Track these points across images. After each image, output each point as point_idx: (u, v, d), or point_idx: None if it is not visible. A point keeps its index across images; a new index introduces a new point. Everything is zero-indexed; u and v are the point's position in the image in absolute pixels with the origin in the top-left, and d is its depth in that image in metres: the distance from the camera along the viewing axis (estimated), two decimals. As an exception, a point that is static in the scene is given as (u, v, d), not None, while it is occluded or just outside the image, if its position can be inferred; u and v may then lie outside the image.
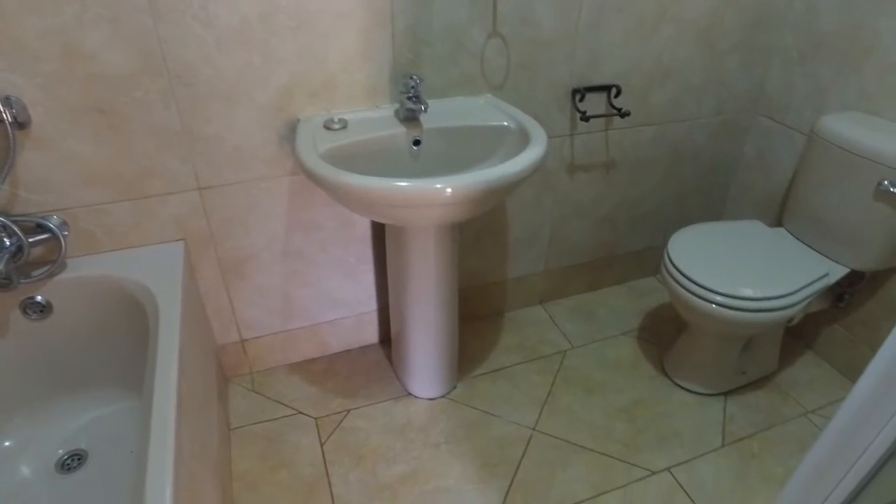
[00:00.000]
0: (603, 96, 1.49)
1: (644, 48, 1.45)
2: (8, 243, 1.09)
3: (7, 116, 0.99)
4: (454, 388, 1.56)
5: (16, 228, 1.08)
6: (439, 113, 1.28)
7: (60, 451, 1.25)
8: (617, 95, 1.48)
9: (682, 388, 1.55)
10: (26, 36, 0.97)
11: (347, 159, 1.16)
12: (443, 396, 1.54)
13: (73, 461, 1.24)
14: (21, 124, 1.04)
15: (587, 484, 1.31)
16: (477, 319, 1.80)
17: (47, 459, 1.23)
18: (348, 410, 1.49)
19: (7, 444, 1.23)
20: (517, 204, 1.61)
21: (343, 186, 1.01)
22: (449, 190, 1.00)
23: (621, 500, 1.27)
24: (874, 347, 1.49)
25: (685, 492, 1.29)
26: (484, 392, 1.55)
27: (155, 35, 1.04)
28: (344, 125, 1.22)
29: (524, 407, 1.50)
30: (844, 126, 1.34)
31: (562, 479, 1.32)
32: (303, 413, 1.48)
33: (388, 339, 1.70)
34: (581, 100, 1.45)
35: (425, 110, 1.20)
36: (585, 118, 1.44)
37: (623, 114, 1.45)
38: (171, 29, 1.05)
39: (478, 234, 1.62)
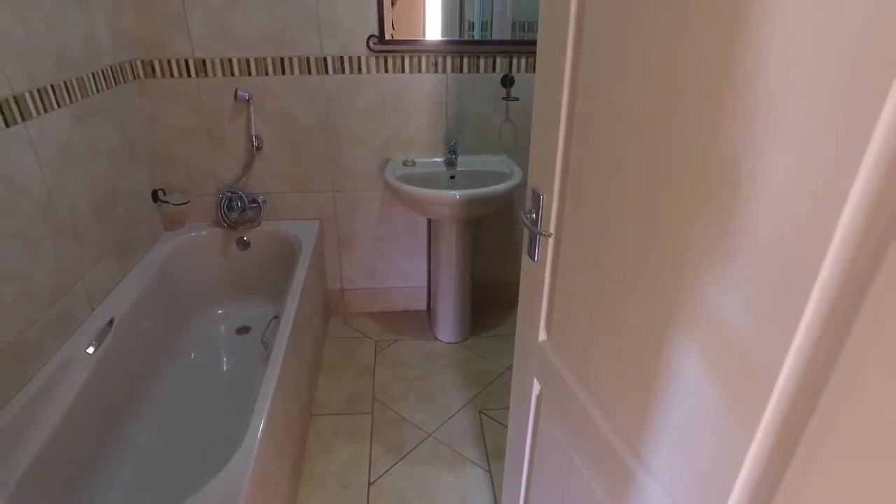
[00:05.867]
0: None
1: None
2: (239, 205, 2.18)
3: (255, 144, 2.10)
4: (466, 339, 2.38)
5: (245, 199, 2.18)
6: (469, 162, 2.20)
7: (238, 323, 2.28)
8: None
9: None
10: (272, 109, 2.08)
11: (412, 180, 2.11)
12: (457, 342, 2.36)
13: (243, 330, 2.26)
14: (258, 148, 2.14)
15: (528, 397, 2.04)
16: (496, 307, 2.61)
17: (232, 325, 2.27)
18: (396, 340, 2.38)
19: (220, 311, 2.29)
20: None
21: (400, 190, 1.96)
22: (457, 196, 1.91)
23: (545, 407, 1.99)
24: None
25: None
26: (484, 345, 2.35)
27: (326, 110, 2.11)
28: (414, 164, 2.19)
29: (506, 356, 2.28)
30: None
31: (509, 397, 2.06)
32: (369, 337, 2.40)
33: (430, 308, 2.57)
34: (564, 164, 2.28)
35: (456, 161, 2.14)
36: (564, 175, 2.27)
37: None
38: (335, 107, 2.11)
39: (497, 245, 2.47)
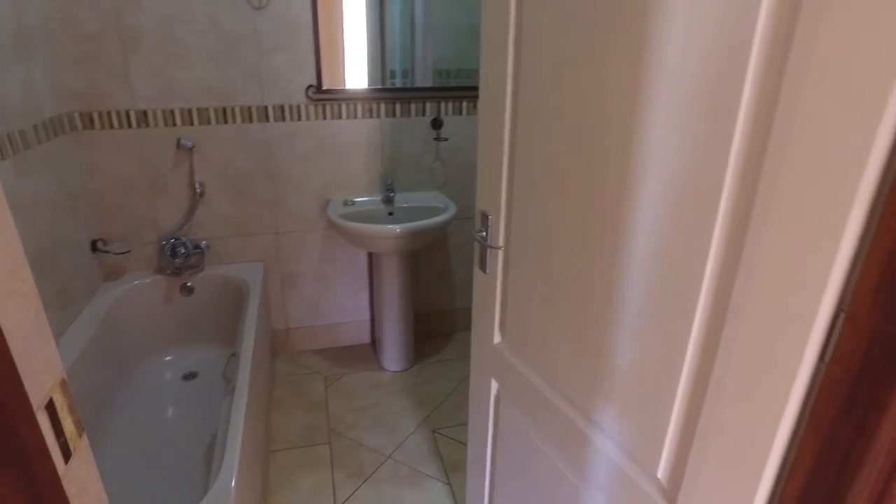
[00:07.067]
0: (507, 195, 2.55)
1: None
2: (183, 251, 2.21)
3: (198, 191, 2.16)
4: (412, 367, 2.50)
5: (189, 245, 2.21)
6: (406, 199, 2.37)
7: (185, 370, 2.27)
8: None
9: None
10: (214, 156, 2.16)
11: (353, 218, 2.24)
12: (403, 370, 2.47)
13: (190, 376, 2.25)
14: (201, 195, 2.20)
15: (476, 413, 2.18)
16: (436, 334, 2.75)
17: (178, 372, 2.25)
18: (344, 373, 2.45)
19: (168, 358, 2.27)
20: (460, 257, 2.64)
21: (345, 228, 2.09)
22: (398, 229, 2.06)
23: (493, 420, 2.13)
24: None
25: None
26: (430, 370, 2.48)
27: (268, 155, 2.22)
28: (353, 204, 2.33)
29: (452, 379, 2.41)
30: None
31: (460, 415, 2.20)
32: (317, 372, 2.45)
33: (374, 341, 2.67)
34: (491, 196, 2.51)
35: (393, 199, 2.31)
36: (492, 206, 2.49)
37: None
38: (276, 153, 2.22)
39: (433, 276, 2.64)
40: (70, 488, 0.48)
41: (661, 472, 0.81)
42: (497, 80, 1.05)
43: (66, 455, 0.49)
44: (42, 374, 0.46)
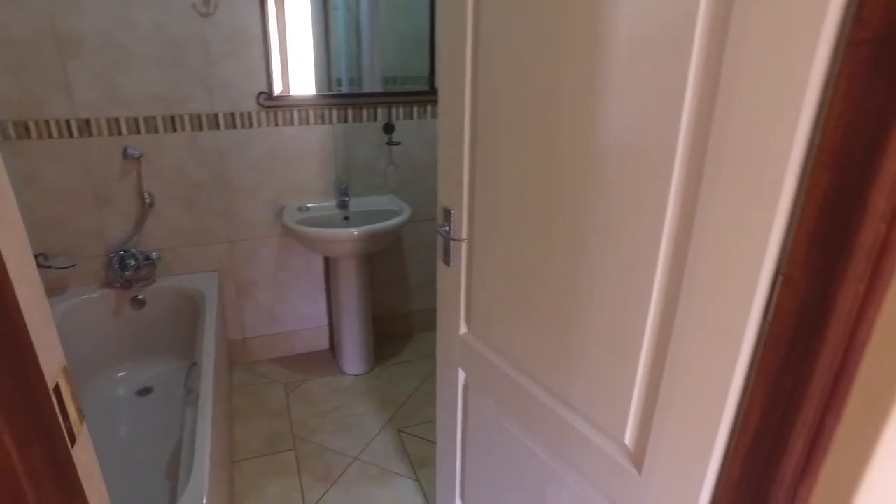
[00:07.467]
0: (460, 197, 2.61)
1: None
2: (133, 263, 2.14)
3: (147, 200, 2.10)
4: (372, 370, 2.51)
5: (139, 256, 2.15)
6: (360, 203, 2.39)
7: (139, 385, 2.19)
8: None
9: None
10: (163, 165, 2.11)
11: (309, 224, 2.24)
12: (364, 373, 2.48)
13: (144, 391, 2.18)
14: (150, 205, 2.14)
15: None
16: (394, 337, 2.77)
17: (132, 388, 2.18)
18: (304, 380, 2.43)
19: (121, 374, 2.19)
20: (415, 260, 2.67)
21: (301, 233, 2.09)
22: (356, 232, 2.08)
23: (457, 416, 2.18)
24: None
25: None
26: (390, 373, 2.50)
27: (219, 164, 2.19)
28: (308, 210, 2.33)
29: (413, 379, 2.44)
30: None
31: (424, 413, 2.23)
32: (276, 381, 2.43)
33: (332, 346, 2.67)
34: (445, 198, 2.57)
35: (348, 203, 2.32)
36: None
37: (469, 206, 2.56)
38: (228, 161, 2.19)
39: (388, 280, 2.66)
40: (78, 471, 0.49)
41: (628, 438, 0.88)
42: (456, 77, 1.11)
43: (72, 440, 0.49)
44: (49, 359, 0.47)
